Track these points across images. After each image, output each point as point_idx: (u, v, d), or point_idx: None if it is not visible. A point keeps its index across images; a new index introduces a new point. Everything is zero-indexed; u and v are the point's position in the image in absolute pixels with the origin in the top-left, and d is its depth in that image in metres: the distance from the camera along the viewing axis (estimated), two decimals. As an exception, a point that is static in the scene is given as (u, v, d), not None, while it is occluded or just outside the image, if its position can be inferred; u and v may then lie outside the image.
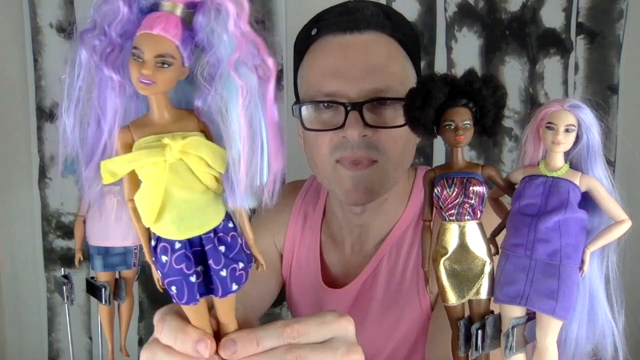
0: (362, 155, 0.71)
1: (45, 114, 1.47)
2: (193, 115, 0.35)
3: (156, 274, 0.37)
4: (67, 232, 1.51)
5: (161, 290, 0.38)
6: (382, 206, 0.80)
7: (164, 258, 0.35)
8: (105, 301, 0.75)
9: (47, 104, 1.47)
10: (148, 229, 0.36)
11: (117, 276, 0.77)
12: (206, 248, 0.35)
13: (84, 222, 0.76)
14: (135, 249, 0.75)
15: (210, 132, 0.36)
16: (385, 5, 0.79)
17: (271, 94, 0.36)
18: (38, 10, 1.43)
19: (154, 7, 0.33)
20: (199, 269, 0.36)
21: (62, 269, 0.87)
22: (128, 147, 0.34)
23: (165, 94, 0.34)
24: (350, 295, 0.84)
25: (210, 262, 0.35)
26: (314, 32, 0.75)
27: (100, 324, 0.79)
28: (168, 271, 0.35)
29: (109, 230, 0.73)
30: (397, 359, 0.82)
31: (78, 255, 0.79)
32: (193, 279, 0.35)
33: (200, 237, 0.35)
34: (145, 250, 0.37)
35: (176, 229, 0.34)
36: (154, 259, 0.36)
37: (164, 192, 0.33)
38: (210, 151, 0.34)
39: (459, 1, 1.36)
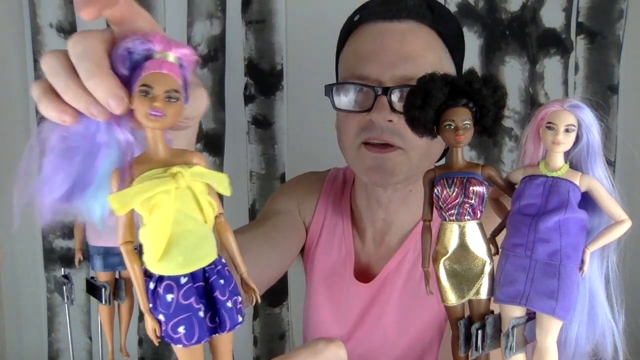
0: (387, 139, 0.72)
1: (45, 114, 1.47)
2: (188, 152, 0.37)
3: (152, 324, 0.35)
4: (67, 232, 1.51)
5: (157, 343, 0.36)
6: (406, 199, 0.81)
7: (169, 297, 0.34)
8: (105, 301, 0.75)
9: (47, 104, 1.47)
10: (141, 274, 0.35)
11: (117, 276, 0.77)
12: (211, 280, 0.35)
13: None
14: (135, 249, 0.75)
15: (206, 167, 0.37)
16: None
17: None
18: (38, 10, 1.43)
19: (145, 59, 0.35)
20: (203, 306, 0.35)
21: (62, 269, 0.87)
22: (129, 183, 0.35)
23: (163, 132, 0.35)
24: (374, 289, 0.85)
25: (217, 294, 0.35)
26: (356, 18, 0.77)
27: (100, 324, 0.79)
28: (175, 310, 0.34)
29: (109, 230, 0.73)
30: (411, 356, 0.83)
31: (78, 255, 0.79)
32: (202, 313, 0.35)
33: (203, 270, 0.35)
34: (143, 297, 0.35)
35: (183, 262, 0.34)
36: (151, 305, 0.35)
37: (172, 223, 0.34)
38: (215, 177, 0.36)
39: (459, 1, 1.36)
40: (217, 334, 0.36)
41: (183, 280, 0.34)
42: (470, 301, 0.47)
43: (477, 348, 0.46)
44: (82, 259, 0.80)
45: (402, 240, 0.84)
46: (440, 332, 0.80)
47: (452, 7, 1.36)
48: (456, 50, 0.79)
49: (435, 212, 0.48)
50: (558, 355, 0.44)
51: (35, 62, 1.45)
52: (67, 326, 0.89)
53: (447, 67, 0.77)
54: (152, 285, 0.35)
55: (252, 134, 1.43)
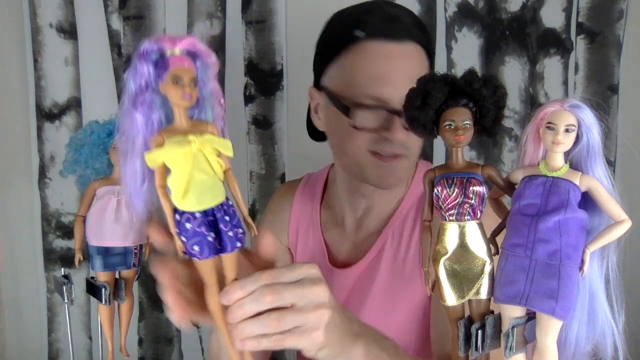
0: (397, 151, 0.80)
1: (45, 114, 1.47)
2: (204, 124, 0.49)
3: (178, 242, 0.49)
4: (67, 232, 1.51)
5: (181, 255, 0.49)
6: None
7: (188, 225, 0.48)
8: (105, 301, 0.75)
9: (47, 104, 1.47)
10: (171, 208, 0.49)
11: (117, 276, 0.77)
12: (217, 216, 0.49)
13: (84, 222, 0.76)
14: (135, 249, 0.75)
15: (217, 135, 0.49)
16: (413, 13, 0.86)
17: None
18: (38, 10, 1.43)
19: (161, 56, 0.47)
20: (212, 234, 0.49)
21: (62, 269, 0.87)
22: (161, 147, 0.47)
23: (187, 109, 0.48)
24: (354, 275, 0.89)
25: (221, 225, 0.49)
26: (357, 33, 0.80)
27: (100, 324, 0.79)
28: (192, 235, 0.48)
29: (109, 230, 0.73)
30: (398, 340, 0.84)
31: (78, 255, 0.79)
32: (210, 238, 0.48)
33: (212, 209, 0.48)
34: (171, 224, 0.49)
35: (196, 203, 0.47)
36: (177, 230, 0.48)
37: (188, 175, 0.46)
38: (221, 143, 0.48)
39: (459, 1, 1.35)
40: (222, 254, 0.50)
41: (198, 215, 0.48)
42: (470, 301, 0.47)
43: (477, 348, 0.46)
44: (82, 259, 0.80)
45: (382, 225, 0.88)
46: (426, 314, 0.84)
47: (452, 7, 1.36)
48: (432, 64, 0.86)
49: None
50: (558, 355, 0.44)
51: (35, 62, 1.45)
52: (67, 326, 0.89)
53: None
54: (177, 217, 0.48)
55: (252, 134, 1.43)
